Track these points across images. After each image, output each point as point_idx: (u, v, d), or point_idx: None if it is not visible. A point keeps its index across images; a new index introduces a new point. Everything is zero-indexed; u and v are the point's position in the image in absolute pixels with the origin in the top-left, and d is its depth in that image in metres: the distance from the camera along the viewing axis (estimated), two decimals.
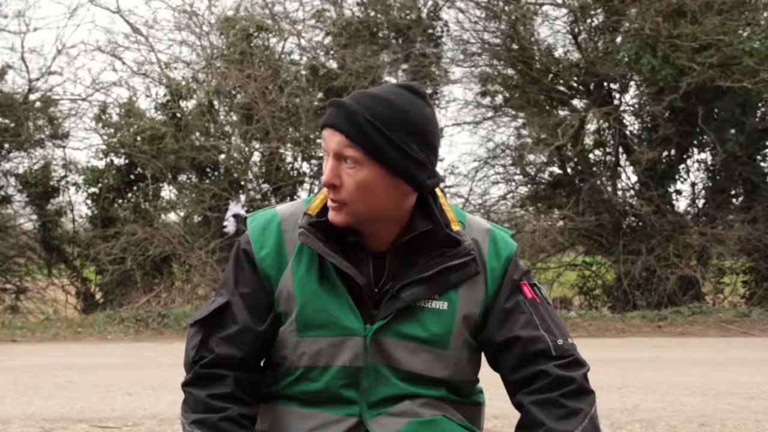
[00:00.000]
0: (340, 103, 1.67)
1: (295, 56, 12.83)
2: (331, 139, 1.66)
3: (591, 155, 13.02)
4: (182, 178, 12.59)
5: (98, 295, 12.50)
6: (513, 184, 13.40)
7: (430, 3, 12.89)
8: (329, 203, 1.69)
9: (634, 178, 12.75)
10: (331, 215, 1.69)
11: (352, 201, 1.66)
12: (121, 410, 4.50)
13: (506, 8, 12.64)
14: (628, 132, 12.74)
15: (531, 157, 13.19)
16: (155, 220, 12.12)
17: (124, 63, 12.80)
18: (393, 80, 12.21)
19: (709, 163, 12.77)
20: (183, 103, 12.44)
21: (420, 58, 12.37)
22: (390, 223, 1.71)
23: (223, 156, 12.20)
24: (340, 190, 1.66)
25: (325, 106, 1.74)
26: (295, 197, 11.98)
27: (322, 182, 1.67)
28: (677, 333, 9.96)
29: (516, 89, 12.93)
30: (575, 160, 12.83)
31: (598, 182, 12.51)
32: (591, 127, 12.90)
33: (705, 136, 12.00)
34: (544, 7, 12.99)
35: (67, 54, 12.65)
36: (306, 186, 12.46)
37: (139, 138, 12.13)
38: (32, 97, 12.66)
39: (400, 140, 1.64)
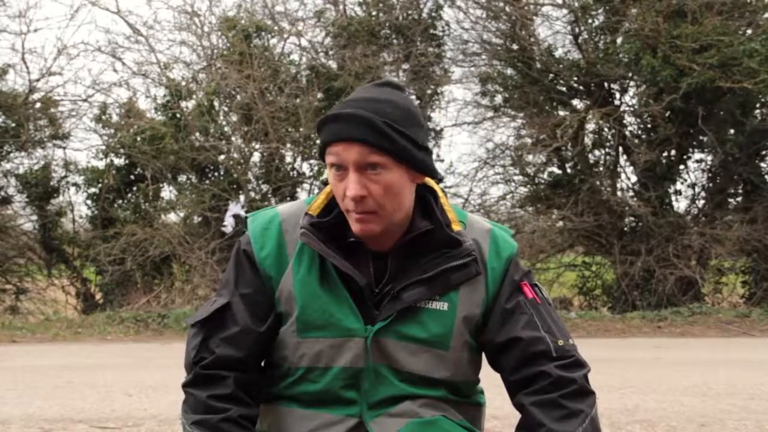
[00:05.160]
0: (347, 114, 1.64)
1: (295, 56, 12.84)
2: (348, 152, 1.63)
3: (590, 155, 13.02)
4: (182, 178, 12.59)
5: (98, 296, 12.49)
6: (512, 184, 13.40)
7: (430, 3, 12.89)
8: (354, 216, 1.66)
9: (633, 179, 12.76)
10: (361, 228, 1.67)
11: (381, 207, 1.66)
12: (121, 410, 4.50)
13: (506, 8, 12.64)
14: (627, 132, 12.74)
15: (530, 157, 13.19)
16: (155, 221, 12.12)
17: (124, 63, 12.82)
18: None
19: (709, 163, 12.77)
20: (183, 104, 12.44)
21: (420, 58, 12.37)
22: (397, 223, 1.72)
23: (222, 156, 12.20)
24: (367, 200, 1.65)
25: (323, 121, 1.68)
26: (294, 197, 11.98)
27: (350, 197, 1.63)
28: (677, 333, 9.97)
29: (516, 89, 12.93)
30: (575, 160, 12.83)
31: (598, 183, 12.50)
32: (590, 127, 12.90)
33: (705, 137, 12.00)
34: (545, 8, 13.00)
35: (68, 54, 12.63)
36: (306, 186, 12.46)
37: (139, 138, 12.13)
38: (33, 97, 12.66)
39: (414, 135, 1.66)
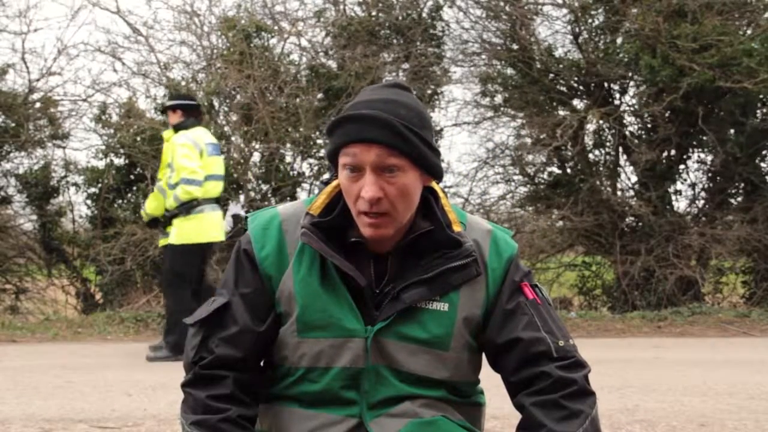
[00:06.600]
0: (366, 115, 1.63)
1: (295, 56, 12.84)
2: (366, 154, 1.63)
3: (590, 155, 13.02)
4: None
5: (98, 296, 12.48)
6: (512, 184, 13.37)
7: (430, 2, 12.89)
8: (367, 220, 1.66)
9: (633, 179, 12.74)
10: (374, 232, 1.66)
11: (395, 209, 1.66)
12: (121, 410, 4.50)
13: (507, 8, 12.64)
14: (627, 132, 12.73)
15: (530, 157, 13.18)
16: None
17: (124, 63, 12.78)
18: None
19: (709, 163, 12.76)
20: None
21: (420, 58, 12.36)
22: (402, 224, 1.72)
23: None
24: (382, 202, 1.64)
25: (338, 122, 1.66)
26: (294, 197, 11.98)
27: (366, 198, 1.62)
28: (677, 333, 9.95)
29: (516, 89, 12.92)
30: (575, 160, 12.82)
31: (598, 182, 12.50)
32: (590, 127, 12.90)
33: (705, 137, 11.99)
34: (545, 7, 12.99)
35: (68, 54, 12.60)
36: (306, 186, 12.45)
37: (139, 138, 12.12)
38: (32, 97, 12.65)
39: (427, 137, 1.67)
